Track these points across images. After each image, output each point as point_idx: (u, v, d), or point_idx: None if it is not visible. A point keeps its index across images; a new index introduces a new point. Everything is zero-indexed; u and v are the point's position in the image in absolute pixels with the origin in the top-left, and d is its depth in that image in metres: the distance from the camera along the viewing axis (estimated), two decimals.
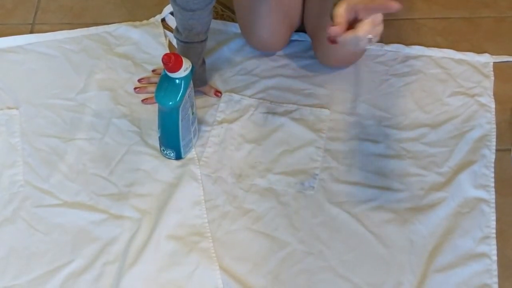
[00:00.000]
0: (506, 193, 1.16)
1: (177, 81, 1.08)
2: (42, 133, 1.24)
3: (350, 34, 0.85)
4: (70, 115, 1.27)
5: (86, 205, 1.14)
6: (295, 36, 1.40)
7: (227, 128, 1.25)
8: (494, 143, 1.22)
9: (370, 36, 0.85)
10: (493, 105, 1.28)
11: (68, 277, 1.05)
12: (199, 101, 1.27)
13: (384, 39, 1.40)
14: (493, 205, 1.14)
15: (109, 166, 1.19)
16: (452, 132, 1.24)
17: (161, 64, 1.06)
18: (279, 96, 1.30)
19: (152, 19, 1.45)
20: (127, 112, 1.28)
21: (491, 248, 1.08)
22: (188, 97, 1.11)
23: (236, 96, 1.30)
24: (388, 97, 1.30)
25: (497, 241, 1.09)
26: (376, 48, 1.38)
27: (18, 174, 1.18)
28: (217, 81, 1.33)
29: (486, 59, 1.36)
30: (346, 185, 1.17)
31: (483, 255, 1.08)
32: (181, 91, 1.08)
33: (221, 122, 1.26)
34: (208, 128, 1.25)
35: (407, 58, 1.37)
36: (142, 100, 1.29)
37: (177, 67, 1.06)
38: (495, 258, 1.07)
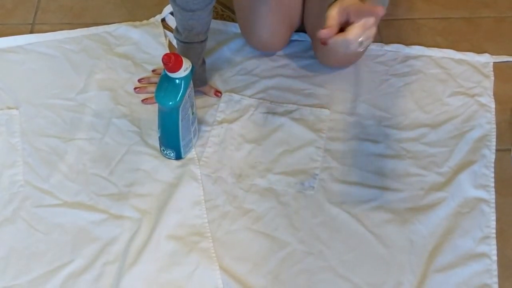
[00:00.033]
0: (506, 193, 1.16)
1: (177, 81, 1.08)
2: (42, 133, 1.24)
3: (340, 37, 0.86)
4: (70, 115, 1.27)
5: (86, 205, 1.14)
6: (295, 36, 1.40)
7: (227, 128, 1.25)
8: (494, 143, 1.22)
9: (361, 39, 0.86)
10: (493, 105, 1.28)
11: (68, 277, 1.05)
12: (199, 101, 1.27)
13: (384, 39, 1.40)
14: (493, 205, 1.14)
15: (109, 166, 1.19)
16: (452, 132, 1.24)
17: (161, 64, 1.06)
18: (279, 96, 1.30)
19: (152, 19, 1.45)
20: (127, 112, 1.28)
21: (491, 248, 1.09)
22: (188, 97, 1.11)
23: (236, 96, 1.30)
24: (388, 97, 1.30)
25: (497, 241, 1.09)
26: (376, 48, 1.38)
27: (18, 174, 1.18)
28: (217, 81, 1.33)
29: (486, 59, 1.37)
30: (346, 185, 1.17)
31: (483, 255, 1.08)
32: (181, 91, 1.08)
33: (221, 122, 1.26)
34: (208, 128, 1.25)
35: (407, 58, 1.37)
36: (142, 100, 1.29)
37: (177, 67, 1.06)
38: (495, 258, 1.07)
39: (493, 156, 1.20)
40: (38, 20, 1.47)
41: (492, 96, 1.30)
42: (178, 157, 1.19)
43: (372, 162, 1.20)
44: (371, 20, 0.86)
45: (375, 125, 1.26)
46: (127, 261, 1.06)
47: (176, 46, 1.25)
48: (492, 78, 1.33)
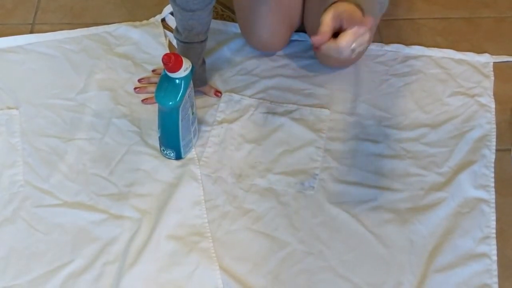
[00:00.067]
0: (506, 193, 1.16)
1: (177, 81, 1.08)
2: (42, 133, 1.24)
3: (332, 44, 0.86)
4: (70, 115, 1.27)
5: (86, 205, 1.14)
6: (295, 36, 1.40)
7: (227, 128, 1.25)
8: (494, 143, 1.22)
9: (353, 46, 0.86)
10: (493, 105, 1.28)
11: (68, 277, 1.05)
12: (199, 101, 1.27)
13: (384, 39, 1.40)
14: (493, 205, 1.14)
15: (109, 166, 1.19)
16: (452, 132, 1.24)
17: (161, 64, 1.06)
18: (279, 96, 1.30)
19: (152, 19, 1.45)
20: (127, 112, 1.28)
21: (491, 248, 1.08)
22: (188, 97, 1.11)
23: (236, 96, 1.30)
24: (388, 97, 1.30)
25: (497, 241, 1.09)
26: (376, 48, 1.38)
27: (18, 174, 1.18)
28: (217, 81, 1.33)
29: (486, 59, 1.37)
30: (346, 185, 1.17)
31: (483, 255, 1.08)
32: (181, 91, 1.08)
33: (221, 122, 1.26)
34: (208, 128, 1.25)
35: (407, 58, 1.37)
36: (142, 100, 1.29)
37: (177, 67, 1.06)
38: (495, 258, 1.07)
39: (493, 156, 1.20)
40: (38, 20, 1.47)
41: (492, 96, 1.30)
42: (178, 157, 1.19)
43: (372, 162, 1.20)
44: (363, 28, 0.87)
45: (375, 125, 1.25)
46: (127, 261, 1.06)
47: (176, 46, 1.25)
48: (492, 78, 1.33)
